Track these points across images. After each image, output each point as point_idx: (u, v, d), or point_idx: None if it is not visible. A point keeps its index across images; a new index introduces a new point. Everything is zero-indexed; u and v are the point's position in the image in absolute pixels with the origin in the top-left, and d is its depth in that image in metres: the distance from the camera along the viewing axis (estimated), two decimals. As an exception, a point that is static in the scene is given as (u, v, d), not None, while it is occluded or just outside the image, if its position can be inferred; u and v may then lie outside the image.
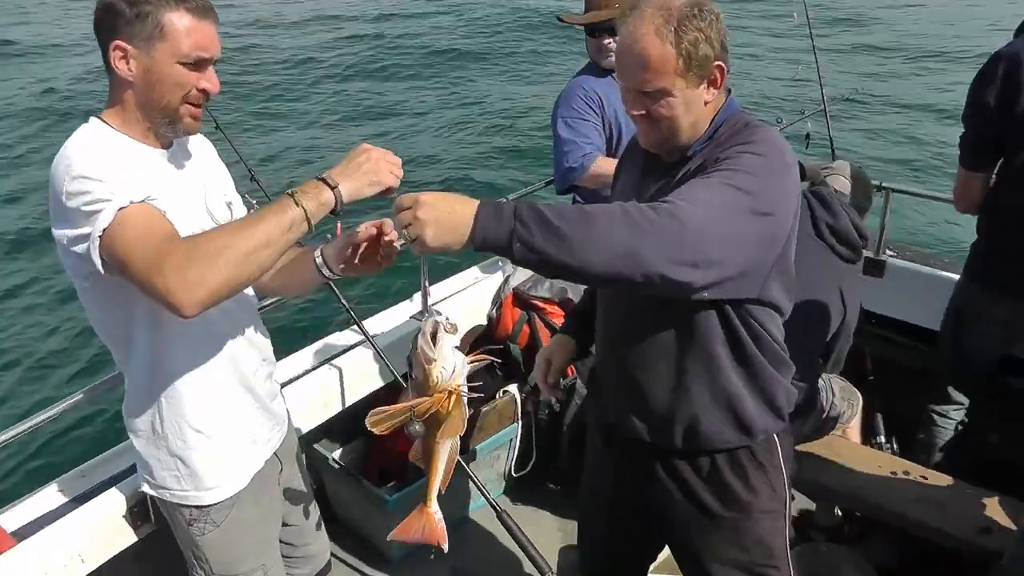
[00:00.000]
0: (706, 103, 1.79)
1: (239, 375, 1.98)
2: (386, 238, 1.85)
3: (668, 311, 1.83)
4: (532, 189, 3.91)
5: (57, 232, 1.68)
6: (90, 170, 1.62)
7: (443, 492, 1.74)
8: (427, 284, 1.70)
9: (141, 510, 2.33)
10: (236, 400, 1.98)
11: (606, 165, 3.05)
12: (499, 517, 2.71)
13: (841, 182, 3.04)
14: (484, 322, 3.40)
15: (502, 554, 3.18)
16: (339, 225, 2.03)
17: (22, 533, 2.24)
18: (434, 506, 1.73)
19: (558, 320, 3.27)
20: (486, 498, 2.75)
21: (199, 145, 2.01)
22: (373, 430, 1.58)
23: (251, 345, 2.03)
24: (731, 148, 1.73)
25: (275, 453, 2.13)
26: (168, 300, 1.56)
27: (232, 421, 1.98)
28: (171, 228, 1.67)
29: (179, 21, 1.70)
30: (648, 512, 2.11)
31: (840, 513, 3.25)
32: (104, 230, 1.60)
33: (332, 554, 3.11)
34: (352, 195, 1.68)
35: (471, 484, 2.86)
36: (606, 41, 3.21)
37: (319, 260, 1.94)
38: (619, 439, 2.08)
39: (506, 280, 3.37)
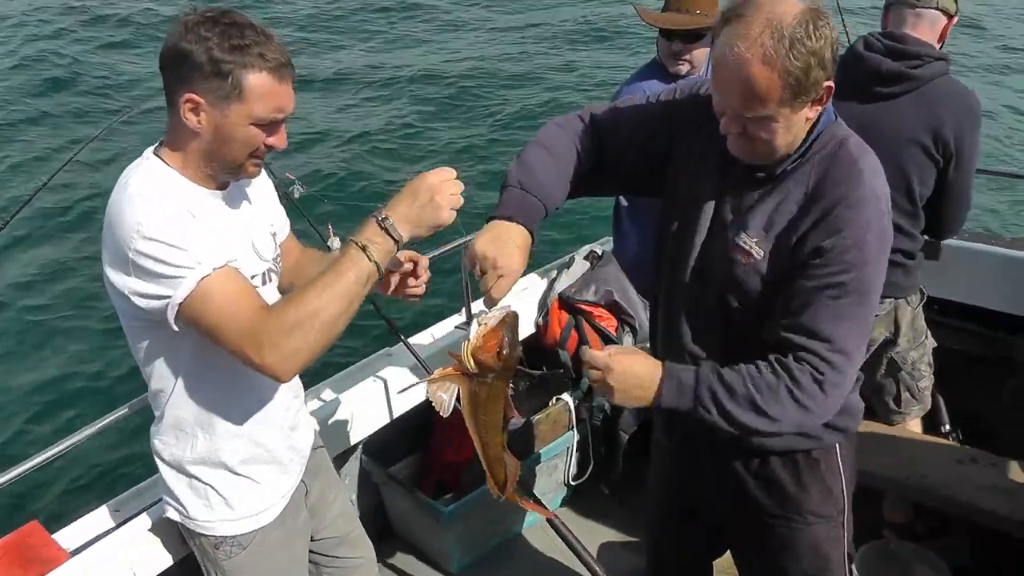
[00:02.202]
0: (807, 120, 1.65)
1: (273, 413, 1.99)
2: (412, 285, 2.03)
3: (736, 326, 1.81)
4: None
5: (116, 279, 1.67)
6: (165, 234, 1.61)
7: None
8: (469, 295, 1.72)
9: None
10: (268, 437, 1.99)
11: None
12: (555, 528, 2.69)
13: None
14: (532, 330, 3.37)
15: (560, 565, 3.14)
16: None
17: (79, 552, 2.30)
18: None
19: (605, 323, 3.24)
20: (535, 501, 2.73)
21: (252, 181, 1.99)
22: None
23: (289, 387, 2.05)
24: (832, 219, 1.62)
25: (302, 480, 2.14)
26: (265, 372, 1.64)
27: (263, 457, 1.99)
28: (257, 296, 1.69)
29: (259, 83, 1.64)
30: (705, 507, 2.10)
31: (912, 510, 3.13)
32: (186, 298, 1.62)
33: (391, 567, 3.16)
34: (412, 238, 1.68)
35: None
36: (678, 48, 3.05)
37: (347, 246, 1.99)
38: (677, 430, 2.06)
39: (551, 285, 3.35)
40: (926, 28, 2.66)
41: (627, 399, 1.71)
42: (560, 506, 3.46)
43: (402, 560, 3.24)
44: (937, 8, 2.66)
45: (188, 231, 1.64)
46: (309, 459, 2.17)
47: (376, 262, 1.64)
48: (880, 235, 1.67)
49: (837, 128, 1.72)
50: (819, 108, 1.64)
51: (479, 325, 1.62)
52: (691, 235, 1.82)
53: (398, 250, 1.68)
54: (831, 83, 1.60)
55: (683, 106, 1.86)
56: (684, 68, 3.12)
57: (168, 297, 1.63)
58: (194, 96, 1.65)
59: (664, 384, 1.69)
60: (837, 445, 1.93)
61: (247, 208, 1.92)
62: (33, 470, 2.29)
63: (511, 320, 1.63)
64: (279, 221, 2.08)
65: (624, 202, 3.39)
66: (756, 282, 1.73)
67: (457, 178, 1.68)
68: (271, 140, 1.73)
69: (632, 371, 1.70)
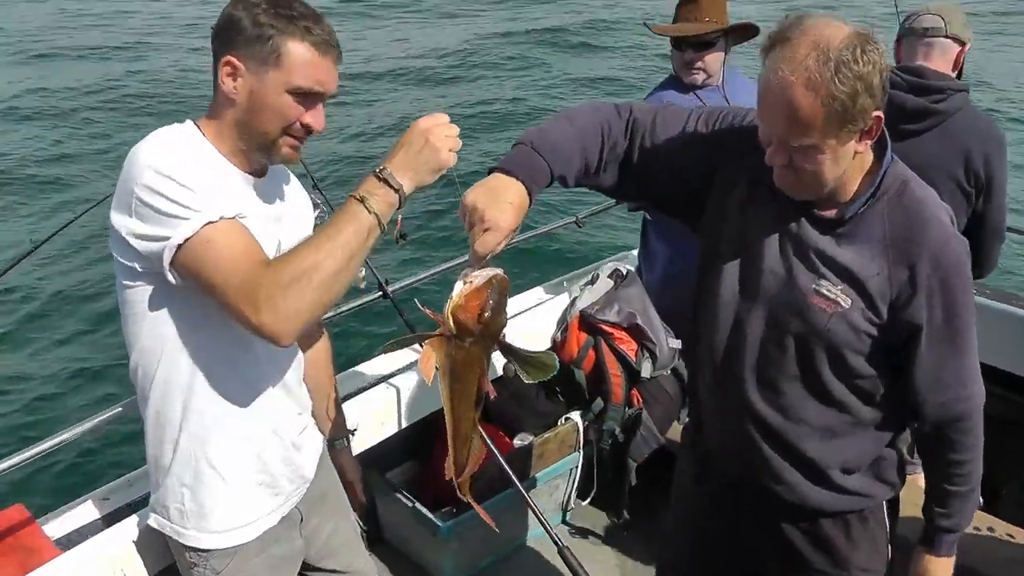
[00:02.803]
0: (857, 153, 1.58)
1: (272, 422, 1.85)
2: None
3: (816, 376, 1.72)
4: (603, 207, 3.78)
5: (117, 220, 1.58)
6: (178, 173, 1.53)
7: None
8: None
9: None
10: (261, 446, 1.84)
11: None
12: (560, 553, 2.57)
13: (929, 19, 2.65)
14: (548, 345, 3.26)
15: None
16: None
17: (66, 542, 2.18)
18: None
19: (625, 346, 3.12)
20: (547, 530, 2.61)
21: (291, 185, 1.92)
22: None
23: (289, 394, 1.91)
24: (930, 274, 1.61)
25: (297, 506, 1.98)
26: (262, 333, 1.53)
27: (252, 467, 1.84)
28: (260, 252, 1.59)
29: (298, 51, 1.61)
30: (738, 556, 2.01)
31: None
32: (186, 239, 1.52)
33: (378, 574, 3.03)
34: (415, 187, 1.60)
35: (529, 512, 2.71)
36: (690, 57, 3.08)
37: (333, 443, 2.24)
38: (716, 476, 1.96)
39: (572, 302, 3.23)
40: (938, 58, 2.63)
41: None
42: (559, 527, 3.35)
43: (391, 569, 3.12)
44: (948, 36, 2.63)
45: (200, 175, 1.57)
46: (312, 485, 2.02)
47: (376, 214, 1.55)
48: (968, 264, 1.67)
49: (897, 167, 1.66)
50: (869, 141, 1.57)
51: (463, 284, 1.47)
52: (752, 278, 1.72)
53: (401, 203, 1.58)
54: (880, 114, 1.52)
55: (725, 134, 1.76)
56: (699, 77, 3.13)
57: (167, 239, 1.52)
58: (233, 59, 1.62)
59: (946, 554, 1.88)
60: (885, 500, 1.89)
61: (280, 209, 1.82)
62: (29, 461, 2.16)
63: (499, 283, 1.47)
64: None
65: (651, 221, 3.30)
66: (846, 331, 1.65)
67: (452, 122, 1.60)
68: (308, 118, 1.66)
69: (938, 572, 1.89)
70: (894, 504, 1.92)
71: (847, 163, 1.57)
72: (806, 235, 1.67)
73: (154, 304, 1.67)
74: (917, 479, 3.00)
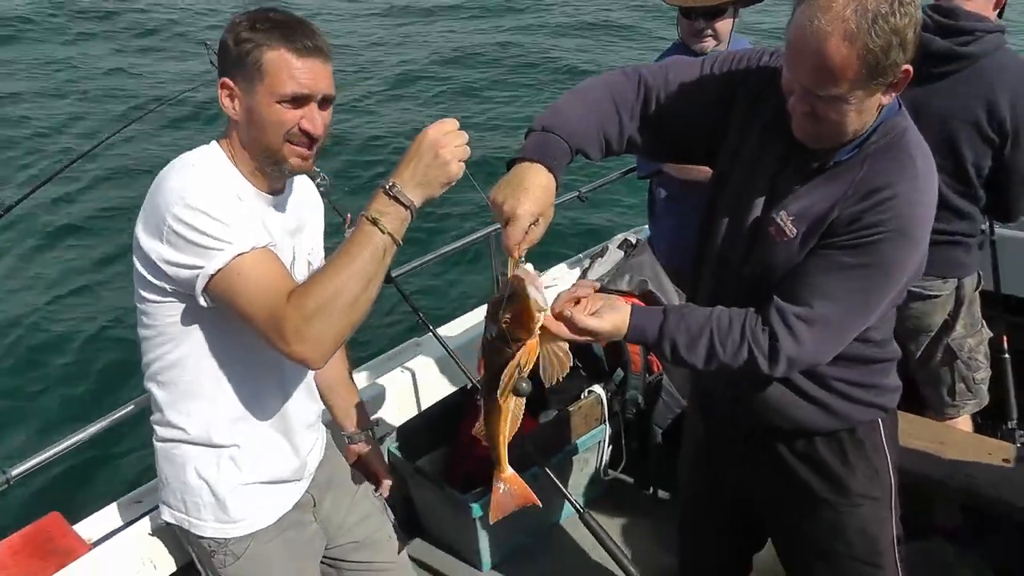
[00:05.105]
0: (880, 106, 1.56)
1: (287, 421, 1.94)
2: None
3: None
4: (607, 180, 3.80)
5: (148, 244, 1.64)
6: (209, 206, 1.59)
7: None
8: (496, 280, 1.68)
9: None
10: (277, 443, 1.94)
11: None
12: (586, 524, 2.60)
13: None
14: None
15: (592, 562, 3.06)
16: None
17: (100, 543, 2.25)
18: (509, 469, 1.66)
19: (640, 314, 3.13)
20: (572, 504, 2.65)
21: (305, 196, 1.98)
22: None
23: (308, 394, 2.02)
24: (876, 210, 1.55)
25: (308, 491, 2.06)
26: (294, 360, 1.61)
27: (266, 462, 1.92)
28: (286, 281, 1.64)
29: (278, 59, 1.65)
30: (745, 494, 2.04)
31: (961, 514, 3.01)
32: (218, 270, 1.58)
33: (418, 561, 3.07)
34: (425, 201, 1.61)
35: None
36: (701, 26, 3.04)
37: (350, 435, 2.29)
38: (714, 416, 2.01)
39: (583, 274, 3.26)
40: None
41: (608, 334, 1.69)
42: (591, 501, 3.37)
43: (430, 555, 3.16)
44: None
45: (231, 208, 1.63)
46: (319, 471, 2.10)
47: (390, 233, 1.58)
48: (911, 236, 1.59)
49: (900, 119, 1.63)
50: (893, 94, 1.54)
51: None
52: (741, 217, 1.75)
53: (413, 216, 1.60)
54: (909, 68, 1.50)
55: (748, 74, 1.74)
56: (709, 44, 3.09)
57: (200, 268, 1.59)
58: (227, 81, 1.70)
59: (630, 331, 1.67)
60: (880, 422, 1.88)
61: (293, 224, 1.89)
62: (55, 458, 2.24)
63: (510, 285, 1.47)
64: (317, 255, 2.02)
65: (660, 190, 3.31)
66: (787, 263, 1.66)
67: (460, 127, 1.60)
68: (304, 123, 1.69)
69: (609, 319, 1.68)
70: (891, 430, 1.91)
71: (869, 117, 1.56)
72: (793, 177, 1.67)
73: (179, 319, 1.74)
74: (958, 422, 2.99)
